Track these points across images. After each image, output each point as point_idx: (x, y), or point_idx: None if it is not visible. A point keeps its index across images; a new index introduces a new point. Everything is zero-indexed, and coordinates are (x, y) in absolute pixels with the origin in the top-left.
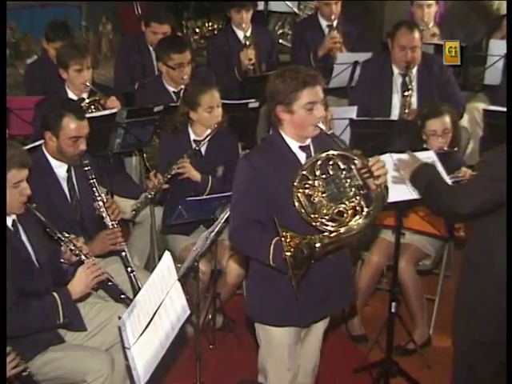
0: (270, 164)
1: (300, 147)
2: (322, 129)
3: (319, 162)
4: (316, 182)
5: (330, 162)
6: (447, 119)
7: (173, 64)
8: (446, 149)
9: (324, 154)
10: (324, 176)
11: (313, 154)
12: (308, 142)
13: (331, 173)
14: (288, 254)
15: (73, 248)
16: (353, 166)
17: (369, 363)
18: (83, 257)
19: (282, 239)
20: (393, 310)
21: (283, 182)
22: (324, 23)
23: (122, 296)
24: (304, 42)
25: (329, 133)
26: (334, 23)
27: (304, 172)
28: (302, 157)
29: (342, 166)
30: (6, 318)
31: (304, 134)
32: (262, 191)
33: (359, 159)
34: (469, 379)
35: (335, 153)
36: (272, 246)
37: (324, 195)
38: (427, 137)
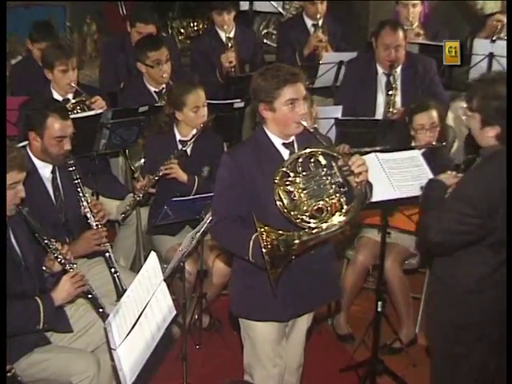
0: (254, 160)
1: (283, 144)
2: (305, 126)
3: (301, 159)
4: (297, 179)
5: (312, 159)
6: (434, 113)
7: (150, 62)
8: (434, 143)
9: (306, 151)
10: (305, 173)
11: (296, 151)
12: (292, 139)
13: (312, 170)
14: (265, 250)
15: (59, 257)
16: (334, 164)
17: (355, 362)
18: (68, 266)
19: (259, 234)
20: (379, 309)
21: (266, 178)
22: (309, 22)
23: (100, 310)
24: (289, 41)
25: (311, 130)
26: (320, 22)
27: (285, 169)
28: (285, 154)
29: (323, 163)
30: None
31: (287, 131)
32: (245, 187)
33: (340, 157)
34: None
35: (317, 150)
36: (251, 242)
37: (304, 192)
38: (415, 132)
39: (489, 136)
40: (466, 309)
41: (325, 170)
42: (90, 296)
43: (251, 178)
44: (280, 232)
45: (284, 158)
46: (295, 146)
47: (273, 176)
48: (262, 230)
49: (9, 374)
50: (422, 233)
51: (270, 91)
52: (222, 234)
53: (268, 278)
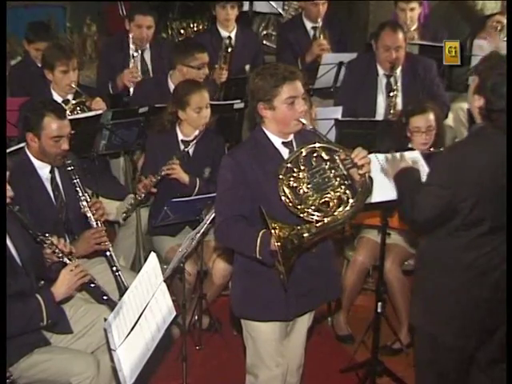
0: (254, 160)
1: (283, 143)
2: (304, 123)
3: (303, 154)
4: (301, 174)
5: (314, 155)
6: (431, 116)
7: (197, 64)
8: (431, 150)
9: (308, 147)
10: (308, 168)
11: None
12: (291, 137)
13: (315, 165)
14: (278, 244)
15: (56, 251)
16: (336, 157)
17: (355, 363)
18: (65, 259)
19: (272, 230)
20: (379, 310)
21: (268, 177)
22: (309, 25)
23: (105, 297)
24: (288, 44)
25: (310, 127)
26: (319, 24)
27: (289, 165)
28: (284, 153)
29: (326, 158)
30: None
31: (287, 129)
32: (247, 187)
33: (342, 150)
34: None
35: (319, 145)
36: (259, 239)
37: (309, 186)
38: (411, 134)
39: (475, 105)
40: (443, 292)
41: (328, 163)
42: (92, 285)
43: (253, 177)
44: (291, 227)
45: (284, 157)
46: (294, 144)
47: (274, 174)
48: (275, 225)
49: (8, 381)
50: (405, 219)
51: (269, 90)
52: (228, 233)
53: (278, 274)
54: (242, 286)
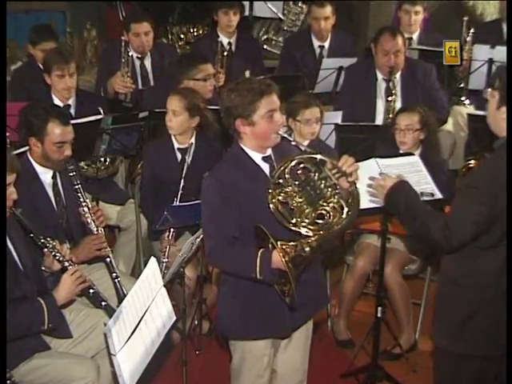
0: (238, 178)
1: (262, 158)
2: (284, 136)
3: (292, 164)
4: (289, 188)
5: (301, 166)
6: (415, 118)
7: (202, 76)
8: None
9: (294, 159)
10: (297, 181)
11: (275, 164)
12: (269, 152)
13: (302, 177)
14: (286, 259)
15: (57, 255)
16: (323, 168)
17: (355, 368)
18: (66, 263)
19: (279, 246)
20: (379, 315)
21: (253, 194)
22: (316, 43)
23: (103, 303)
24: (293, 60)
25: (291, 139)
26: (327, 44)
27: (277, 181)
28: (265, 167)
29: (313, 169)
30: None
31: (266, 143)
32: (234, 206)
33: (328, 160)
34: None
35: (305, 156)
36: (258, 259)
37: (301, 200)
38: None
39: (503, 118)
40: (483, 305)
41: (316, 174)
42: (91, 291)
43: (239, 196)
44: (294, 243)
45: (265, 172)
46: (273, 158)
47: (259, 191)
48: (279, 242)
49: (8, 382)
50: (429, 239)
51: (247, 106)
52: (222, 256)
53: (282, 291)
54: (235, 307)
